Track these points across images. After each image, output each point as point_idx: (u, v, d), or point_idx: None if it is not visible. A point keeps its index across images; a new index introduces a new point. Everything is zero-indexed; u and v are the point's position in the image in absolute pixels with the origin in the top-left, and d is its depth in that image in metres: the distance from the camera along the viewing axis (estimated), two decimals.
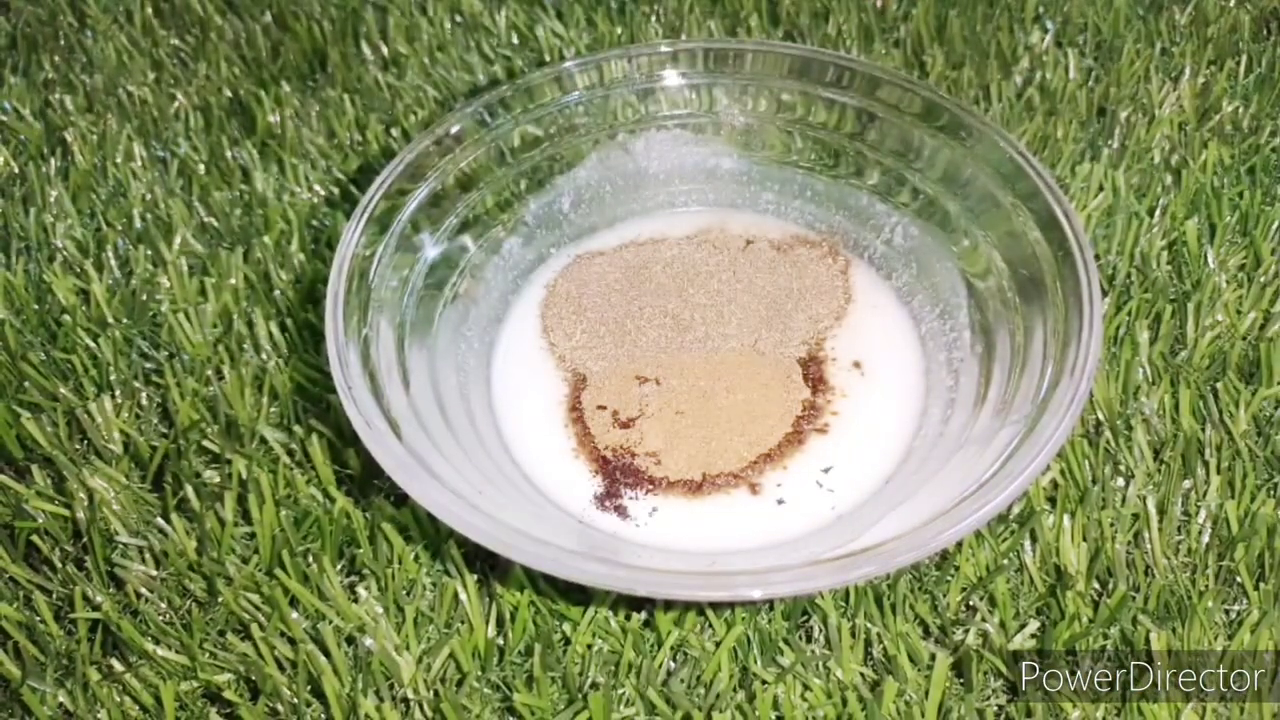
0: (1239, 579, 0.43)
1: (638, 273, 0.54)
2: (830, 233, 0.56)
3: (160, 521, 0.46)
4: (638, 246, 0.56)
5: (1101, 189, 0.58)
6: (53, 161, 0.63)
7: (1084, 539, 0.44)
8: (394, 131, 0.64)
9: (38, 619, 0.44)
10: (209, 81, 0.68)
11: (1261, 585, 0.43)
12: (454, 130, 0.52)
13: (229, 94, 0.67)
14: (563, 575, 0.38)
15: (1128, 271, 0.54)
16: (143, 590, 0.44)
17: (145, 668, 0.42)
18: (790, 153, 0.56)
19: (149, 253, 0.57)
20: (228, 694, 0.41)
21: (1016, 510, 0.45)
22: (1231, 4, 0.69)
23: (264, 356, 0.52)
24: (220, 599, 0.43)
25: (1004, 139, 0.50)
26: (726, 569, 0.39)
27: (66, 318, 0.54)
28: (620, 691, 0.41)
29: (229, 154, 0.63)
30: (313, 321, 0.53)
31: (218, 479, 0.48)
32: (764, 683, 0.41)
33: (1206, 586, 0.43)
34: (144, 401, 0.51)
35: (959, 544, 0.44)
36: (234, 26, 0.71)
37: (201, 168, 0.62)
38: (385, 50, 0.70)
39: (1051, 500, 0.46)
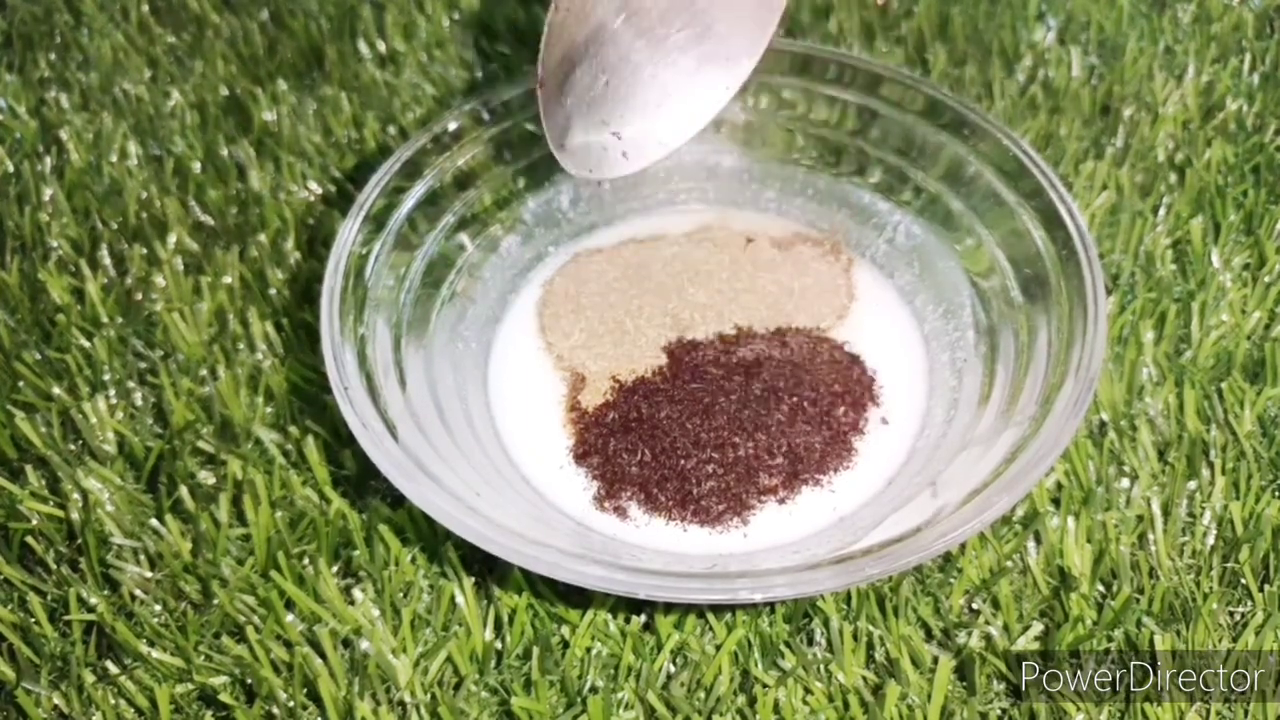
0: (1244, 581, 0.43)
1: (637, 271, 0.54)
2: (832, 231, 0.56)
3: (155, 523, 0.46)
4: (637, 245, 0.55)
5: (1105, 187, 0.58)
6: (48, 160, 0.62)
7: (1088, 541, 0.44)
8: (391, 129, 0.64)
9: (32, 621, 0.43)
10: (205, 79, 0.67)
11: (1266, 587, 0.42)
12: (452, 128, 0.52)
13: (225, 92, 0.67)
14: (561, 578, 0.38)
15: (1132, 270, 0.54)
16: (137, 592, 0.44)
17: (140, 670, 0.42)
18: (792, 150, 0.56)
19: (144, 251, 0.56)
20: (223, 697, 0.41)
21: (1020, 512, 0.45)
22: (1235, 2, 0.69)
23: (259, 356, 0.52)
24: (215, 601, 0.43)
25: (1007, 137, 0.49)
26: (727, 571, 0.39)
27: (61, 317, 0.53)
28: (619, 695, 0.41)
29: (225, 152, 0.62)
30: (308, 321, 0.53)
31: (213, 480, 0.47)
32: (765, 686, 0.40)
33: (1211, 588, 0.43)
34: (138, 402, 0.50)
35: (962, 546, 0.44)
36: (230, 24, 0.71)
37: (197, 166, 0.62)
38: (382, 47, 0.69)
39: (1055, 502, 0.45)
